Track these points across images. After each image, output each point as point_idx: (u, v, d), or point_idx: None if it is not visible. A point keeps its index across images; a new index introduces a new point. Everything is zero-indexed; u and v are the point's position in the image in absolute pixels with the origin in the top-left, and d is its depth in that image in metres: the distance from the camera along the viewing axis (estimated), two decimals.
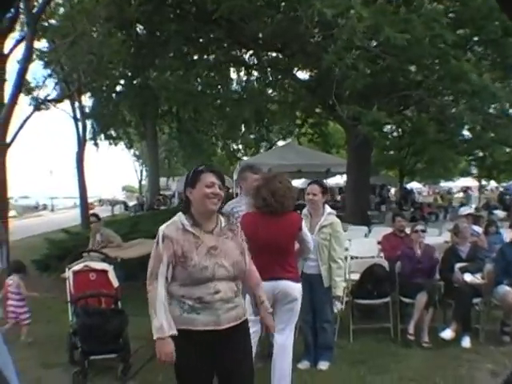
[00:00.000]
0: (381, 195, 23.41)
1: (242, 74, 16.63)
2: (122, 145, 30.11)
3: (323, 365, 4.84)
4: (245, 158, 23.52)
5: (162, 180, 35.87)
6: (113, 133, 22.64)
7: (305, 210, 4.87)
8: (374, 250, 7.75)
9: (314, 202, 4.81)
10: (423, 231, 6.21)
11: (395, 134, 22.78)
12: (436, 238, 8.26)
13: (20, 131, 10.52)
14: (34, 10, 10.42)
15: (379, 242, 7.64)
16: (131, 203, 35.48)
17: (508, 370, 4.69)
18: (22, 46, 10.66)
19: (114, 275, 5.40)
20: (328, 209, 4.86)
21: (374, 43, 9.04)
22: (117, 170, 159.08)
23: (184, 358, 2.71)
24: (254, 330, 3.65)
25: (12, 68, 11.37)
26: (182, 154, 29.45)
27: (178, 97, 12.55)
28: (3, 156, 9.93)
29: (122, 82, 15.69)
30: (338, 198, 21.79)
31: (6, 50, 10.89)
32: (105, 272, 5.39)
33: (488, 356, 5.12)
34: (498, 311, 5.87)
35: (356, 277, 6.18)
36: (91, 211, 17.25)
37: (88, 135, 20.54)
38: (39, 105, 12.29)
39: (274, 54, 13.51)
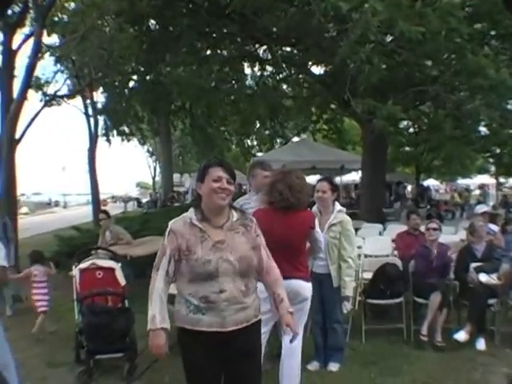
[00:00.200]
0: (397, 192, 23.22)
1: (255, 69, 16.51)
2: (135, 141, 30.24)
3: (333, 366, 4.76)
4: (259, 154, 23.45)
5: (176, 176, 35.91)
6: (125, 129, 22.64)
7: (314, 208, 4.73)
8: (389, 249, 7.65)
9: (324, 200, 4.70)
10: (435, 229, 6.04)
11: (411, 130, 22.51)
12: (452, 236, 8.11)
13: (29, 127, 10.52)
14: (43, 4, 10.36)
15: (393, 240, 7.50)
16: (145, 200, 35.65)
17: None
18: (31, 42, 10.62)
19: (121, 273, 5.36)
20: (338, 206, 4.75)
21: (390, 38, 8.89)
22: (131, 167, 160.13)
23: (191, 356, 2.72)
24: (264, 331, 3.54)
25: (22, 63, 11.38)
26: (196, 150, 29.29)
27: (190, 92, 12.46)
28: (12, 152, 9.88)
29: (135, 77, 15.65)
30: (354, 195, 21.70)
31: (14, 46, 10.87)
32: (112, 270, 5.35)
33: (503, 359, 5.00)
34: None
35: (369, 276, 6.09)
36: (102, 208, 17.24)
37: (100, 131, 20.62)
38: (49, 101, 12.28)
39: (288, 49, 13.36)
